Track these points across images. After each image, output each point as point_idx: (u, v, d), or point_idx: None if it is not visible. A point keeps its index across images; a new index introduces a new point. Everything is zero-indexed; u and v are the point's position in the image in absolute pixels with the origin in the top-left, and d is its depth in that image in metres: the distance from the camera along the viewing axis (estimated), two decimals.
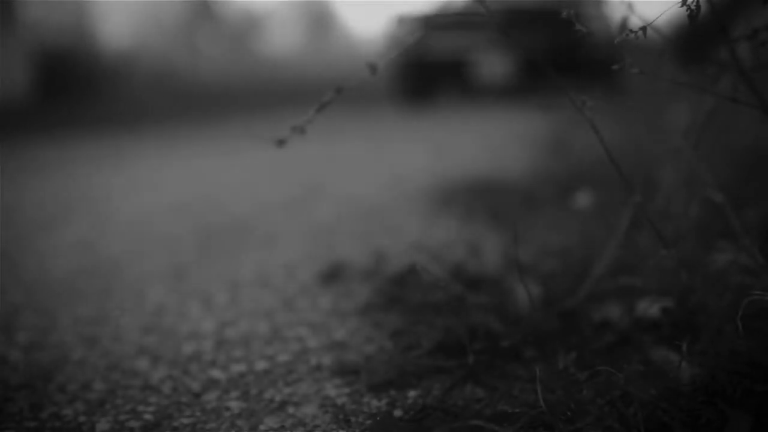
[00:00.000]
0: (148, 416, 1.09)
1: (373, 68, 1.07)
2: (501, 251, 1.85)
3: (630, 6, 1.06)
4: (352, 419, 1.06)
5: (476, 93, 8.10)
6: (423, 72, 8.02)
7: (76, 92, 10.15)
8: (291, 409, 1.10)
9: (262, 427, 1.05)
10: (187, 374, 1.24)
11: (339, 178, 3.34)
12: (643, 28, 0.95)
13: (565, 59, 6.95)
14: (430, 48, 7.85)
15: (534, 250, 1.81)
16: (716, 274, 1.23)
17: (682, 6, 0.94)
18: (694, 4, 0.94)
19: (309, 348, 1.34)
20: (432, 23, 7.87)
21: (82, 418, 1.09)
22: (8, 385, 1.22)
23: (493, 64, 7.75)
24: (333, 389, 1.16)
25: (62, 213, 2.74)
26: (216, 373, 1.24)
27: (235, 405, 1.12)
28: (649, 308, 1.25)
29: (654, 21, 0.98)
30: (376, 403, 1.10)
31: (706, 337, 1.06)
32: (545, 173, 2.85)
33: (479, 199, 2.54)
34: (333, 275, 1.75)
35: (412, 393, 1.13)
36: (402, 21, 8.17)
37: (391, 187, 2.98)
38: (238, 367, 1.27)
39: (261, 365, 1.27)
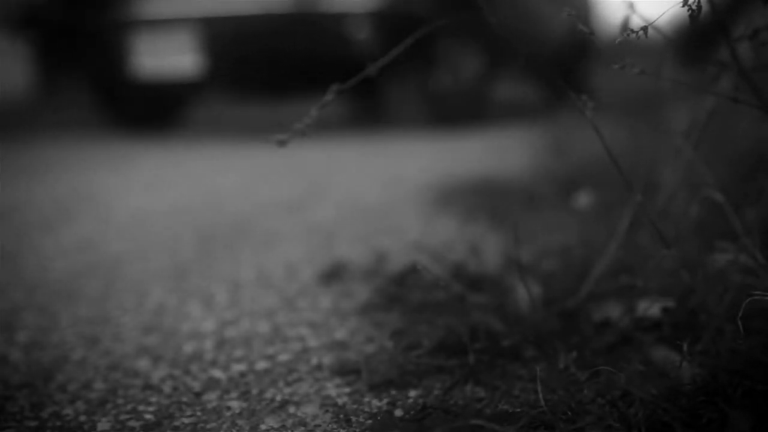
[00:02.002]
0: (148, 416, 1.09)
1: None
2: (501, 251, 1.85)
3: (632, 5, 1.06)
4: (353, 419, 1.06)
5: (129, 100, 4.70)
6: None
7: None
8: (292, 409, 1.10)
9: (262, 427, 1.05)
10: (188, 374, 1.25)
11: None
12: (644, 28, 0.95)
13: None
14: None
15: (534, 249, 1.82)
16: (717, 274, 1.23)
17: (683, 6, 0.94)
18: (695, 3, 0.95)
19: (310, 347, 1.34)
20: None
21: (82, 418, 1.09)
22: (9, 384, 1.22)
23: (170, 46, 4.11)
24: (334, 389, 1.16)
25: (62, 213, 2.74)
26: (217, 373, 1.25)
27: (235, 404, 1.12)
28: (650, 308, 1.25)
29: (655, 21, 0.98)
30: (376, 403, 1.11)
31: (707, 337, 1.06)
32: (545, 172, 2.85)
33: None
34: (333, 275, 1.75)
35: (412, 392, 1.13)
36: None
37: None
38: (239, 367, 1.27)
39: (262, 365, 1.27)
